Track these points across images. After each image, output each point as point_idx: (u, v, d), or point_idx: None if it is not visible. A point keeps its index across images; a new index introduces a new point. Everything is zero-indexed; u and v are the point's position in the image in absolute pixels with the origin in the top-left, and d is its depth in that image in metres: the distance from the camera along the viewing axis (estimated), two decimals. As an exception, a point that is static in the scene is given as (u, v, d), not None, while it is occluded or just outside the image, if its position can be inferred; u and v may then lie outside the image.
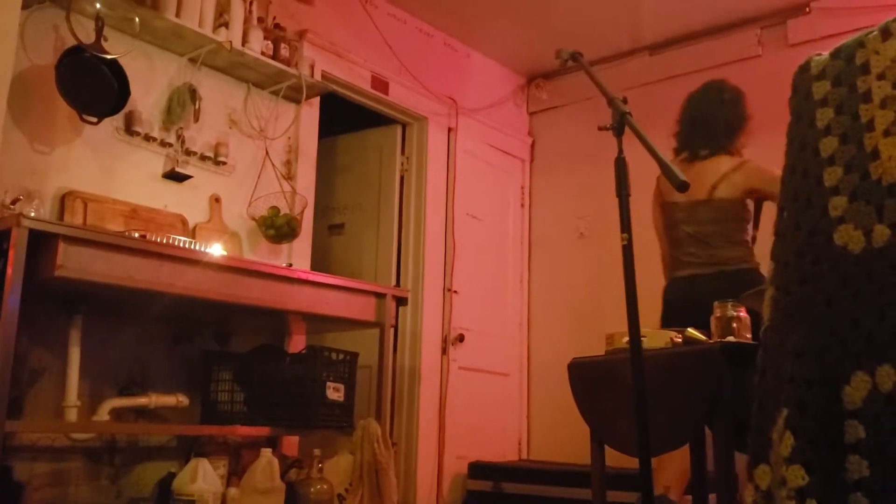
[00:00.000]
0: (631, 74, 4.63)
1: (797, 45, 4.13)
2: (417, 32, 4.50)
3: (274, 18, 3.58)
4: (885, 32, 1.27)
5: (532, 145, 5.19)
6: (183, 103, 3.15)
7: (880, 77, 1.25)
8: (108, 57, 2.81)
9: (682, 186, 1.72)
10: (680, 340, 2.06)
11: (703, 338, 2.05)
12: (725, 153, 3.06)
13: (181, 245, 2.63)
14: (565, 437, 4.42)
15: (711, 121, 3.08)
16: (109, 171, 2.99)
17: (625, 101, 1.95)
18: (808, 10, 4.13)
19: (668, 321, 2.98)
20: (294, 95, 3.60)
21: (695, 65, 4.41)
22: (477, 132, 4.78)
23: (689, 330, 2.06)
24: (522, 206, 5.09)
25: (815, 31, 4.05)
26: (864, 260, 1.19)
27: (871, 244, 1.19)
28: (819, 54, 1.38)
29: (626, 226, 1.85)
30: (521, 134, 5.15)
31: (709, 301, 2.87)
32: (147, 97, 3.12)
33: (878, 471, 1.12)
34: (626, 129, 1.92)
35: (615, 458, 2.35)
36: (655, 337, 2.06)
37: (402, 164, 4.48)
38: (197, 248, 2.70)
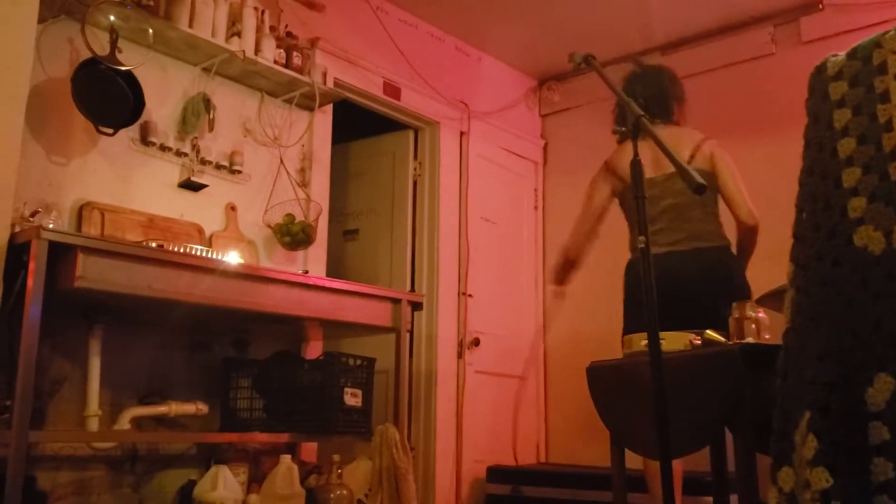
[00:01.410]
0: (643, 75, 4.61)
1: (811, 42, 4.11)
2: (428, 37, 4.51)
3: (286, 27, 3.60)
4: (902, 32, 1.26)
5: (545, 147, 5.18)
6: (197, 113, 3.18)
7: (898, 77, 1.24)
8: (123, 68, 2.84)
9: (700, 189, 1.72)
10: (699, 342, 2.05)
11: (723, 339, 2.04)
12: (670, 123, 3.06)
13: (198, 254, 2.65)
14: (584, 440, 4.42)
15: (638, 98, 3.03)
16: (126, 182, 3.02)
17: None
18: (821, 6, 4.10)
19: (636, 302, 2.92)
20: (307, 103, 3.62)
21: (708, 64, 4.39)
22: (489, 135, 4.78)
23: (708, 332, 2.06)
24: (536, 208, 5.09)
25: (829, 27, 4.02)
26: (884, 261, 1.18)
27: (891, 245, 1.18)
28: (835, 55, 1.37)
29: (643, 228, 1.84)
30: (534, 136, 5.15)
31: (683, 279, 2.83)
32: (162, 107, 3.15)
33: (904, 473, 1.11)
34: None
35: (636, 461, 2.35)
36: (674, 339, 2.05)
37: (415, 168, 4.49)
38: (214, 256, 2.72)
